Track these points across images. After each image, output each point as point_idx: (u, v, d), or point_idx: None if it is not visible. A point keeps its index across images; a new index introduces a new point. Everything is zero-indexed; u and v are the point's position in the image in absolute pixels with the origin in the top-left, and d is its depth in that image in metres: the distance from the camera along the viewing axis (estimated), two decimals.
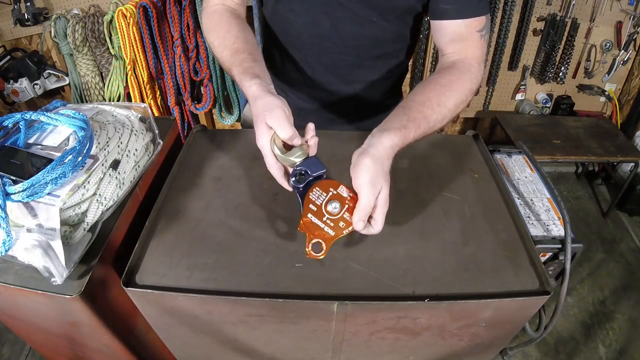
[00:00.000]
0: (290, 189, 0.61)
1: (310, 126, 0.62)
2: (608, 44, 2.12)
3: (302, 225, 0.57)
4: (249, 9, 1.80)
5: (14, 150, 0.60)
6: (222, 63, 0.74)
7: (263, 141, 0.60)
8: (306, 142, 0.61)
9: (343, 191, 0.58)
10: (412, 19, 0.83)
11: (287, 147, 0.60)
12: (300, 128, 0.61)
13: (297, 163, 0.59)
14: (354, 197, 0.57)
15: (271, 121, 0.58)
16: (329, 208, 0.57)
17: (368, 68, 0.90)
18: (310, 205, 0.57)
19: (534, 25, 2.08)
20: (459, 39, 0.75)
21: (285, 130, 0.58)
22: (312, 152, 0.60)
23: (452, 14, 0.73)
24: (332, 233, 0.57)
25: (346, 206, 0.57)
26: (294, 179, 0.59)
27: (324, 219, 0.57)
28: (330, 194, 0.57)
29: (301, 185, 0.58)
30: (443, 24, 0.75)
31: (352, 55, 0.86)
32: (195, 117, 2.12)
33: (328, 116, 0.98)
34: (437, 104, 0.67)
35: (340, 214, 0.57)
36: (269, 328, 0.64)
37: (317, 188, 0.57)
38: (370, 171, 0.55)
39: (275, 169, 0.61)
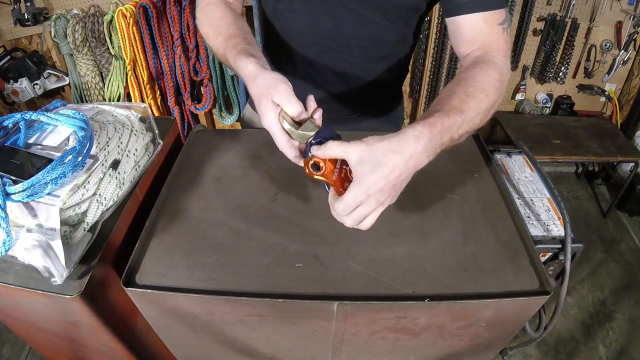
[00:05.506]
0: None
1: (311, 98, 0.59)
2: (608, 44, 2.12)
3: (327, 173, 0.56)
4: (249, 9, 1.81)
5: (14, 150, 0.60)
6: (217, 51, 0.71)
7: (270, 120, 0.57)
8: (311, 115, 0.58)
9: None
10: (415, 18, 0.82)
11: (296, 123, 0.57)
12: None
13: (311, 136, 0.56)
14: None
15: (278, 98, 0.56)
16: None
17: (370, 69, 0.89)
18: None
19: (534, 25, 2.08)
20: (479, 34, 0.70)
21: (294, 106, 0.55)
22: (319, 123, 0.58)
23: (469, 8, 0.69)
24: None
25: None
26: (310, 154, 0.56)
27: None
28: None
29: None
30: (461, 21, 0.71)
31: (354, 55, 0.85)
32: (195, 117, 2.12)
33: (328, 117, 0.97)
34: (465, 94, 0.61)
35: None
36: (269, 328, 0.64)
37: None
38: (375, 146, 0.51)
39: (288, 148, 0.58)
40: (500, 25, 0.70)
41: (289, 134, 0.58)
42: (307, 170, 0.56)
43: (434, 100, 0.66)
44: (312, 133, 0.56)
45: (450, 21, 0.73)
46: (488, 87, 0.63)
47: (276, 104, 0.57)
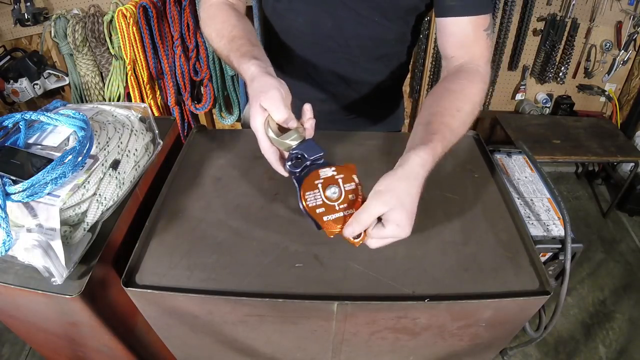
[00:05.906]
0: (286, 174, 0.59)
1: (307, 107, 0.60)
2: (608, 44, 2.12)
3: (306, 207, 0.54)
4: (249, 9, 1.81)
5: (14, 150, 0.60)
6: (220, 52, 0.72)
7: (257, 124, 0.58)
8: (302, 124, 0.58)
9: (338, 175, 0.55)
10: (414, 18, 0.83)
11: (283, 131, 0.57)
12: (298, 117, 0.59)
13: (293, 146, 0.56)
14: (357, 185, 0.55)
15: (265, 103, 0.56)
16: (328, 194, 0.54)
17: (370, 69, 0.89)
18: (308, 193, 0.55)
19: (534, 25, 2.08)
20: (465, 39, 0.72)
21: (280, 112, 0.56)
22: (309, 134, 0.58)
23: (459, 11, 0.71)
24: (339, 215, 0.54)
25: (346, 191, 0.54)
26: (290, 163, 0.56)
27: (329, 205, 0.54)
28: (322, 180, 0.55)
29: (298, 170, 0.56)
30: (449, 23, 0.73)
31: (354, 55, 0.85)
32: (195, 117, 2.12)
33: (328, 117, 0.97)
34: (456, 109, 0.64)
35: (342, 199, 0.54)
36: (269, 328, 0.64)
37: (311, 180, 0.55)
38: (396, 190, 0.53)
39: (269, 153, 0.59)
40: (485, 31, 0.72)
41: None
42: (352, 241, 0.55)
43: (425, 105, 0.68)
44: (294, 143, 0.56)
45: (439, 21, 0.75)
46: (475, 99, 0.68)
47: (264, 109, 0.57)
